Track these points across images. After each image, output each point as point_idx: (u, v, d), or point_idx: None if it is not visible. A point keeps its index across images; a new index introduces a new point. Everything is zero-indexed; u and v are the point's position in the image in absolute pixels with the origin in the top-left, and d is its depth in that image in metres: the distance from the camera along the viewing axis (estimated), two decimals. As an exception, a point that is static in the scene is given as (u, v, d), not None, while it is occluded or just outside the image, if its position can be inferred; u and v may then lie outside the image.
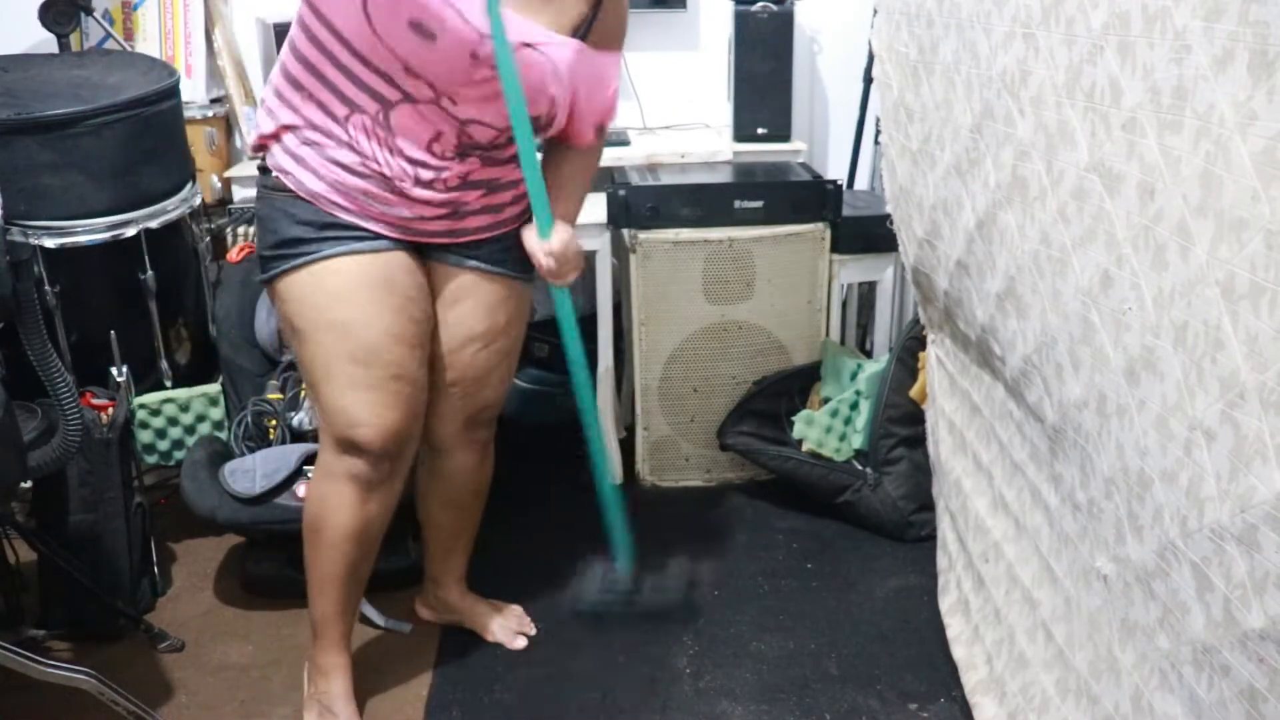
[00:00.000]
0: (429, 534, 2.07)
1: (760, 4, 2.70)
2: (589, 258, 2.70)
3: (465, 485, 1.99)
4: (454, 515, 2.04)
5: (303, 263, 1.67)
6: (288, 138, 1.66)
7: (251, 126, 2.85)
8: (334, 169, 1.65)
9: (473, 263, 1.78)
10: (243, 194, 2.75)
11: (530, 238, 1.74)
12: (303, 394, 2.33)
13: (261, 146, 1.70)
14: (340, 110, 1.62)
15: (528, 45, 1.58)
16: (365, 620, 2.14)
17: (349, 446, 1.72)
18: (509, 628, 2.10)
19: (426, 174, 1.65)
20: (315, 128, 1.65)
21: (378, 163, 1.63)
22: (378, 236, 1.69)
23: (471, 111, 1.61)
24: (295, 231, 1.67)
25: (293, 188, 1.66)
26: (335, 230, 1.67)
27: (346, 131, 1.63)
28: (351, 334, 1.67)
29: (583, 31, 1.66)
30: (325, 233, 1.67)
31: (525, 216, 1.79)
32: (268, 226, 1.70)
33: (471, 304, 1.81)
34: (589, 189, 1.85)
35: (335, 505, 1.77)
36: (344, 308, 1.67)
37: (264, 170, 1.71)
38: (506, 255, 1.81)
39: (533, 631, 2.11)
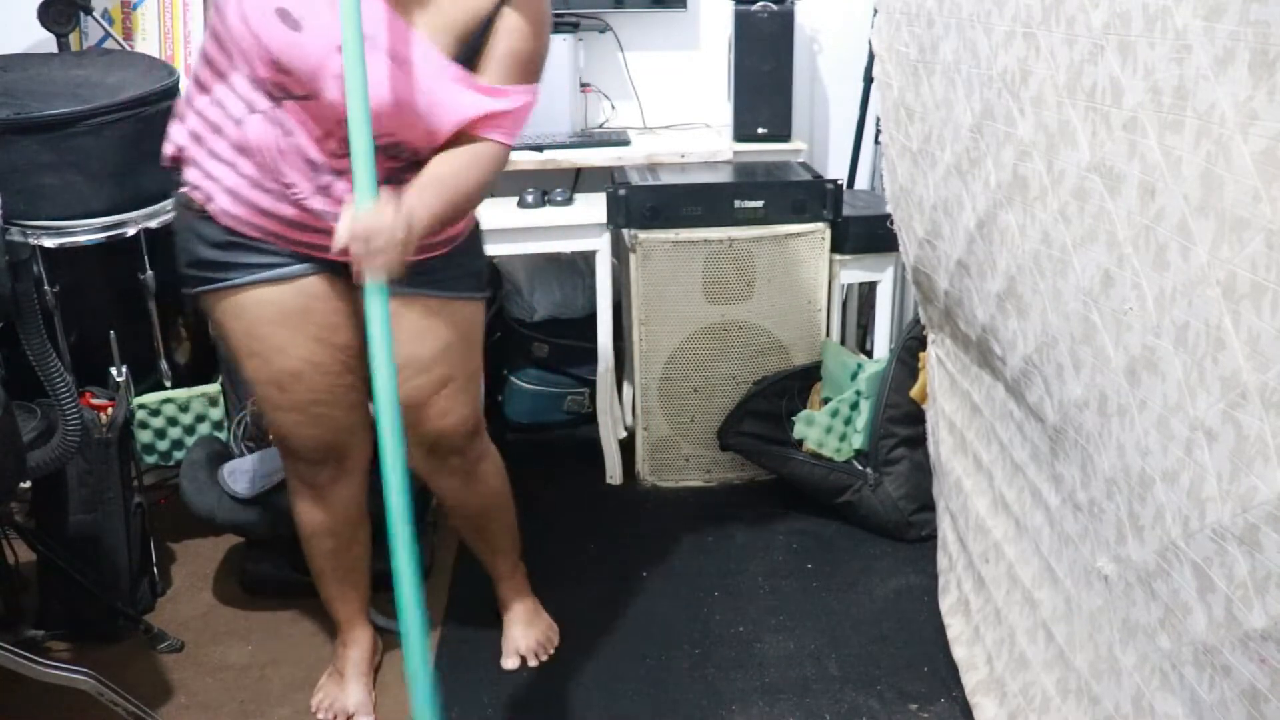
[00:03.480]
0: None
1: (760, 4, 2.70)
2: (589, 258, 2.70)
3: (462, 506, 1.95)
4: (467, 529, 2.04)
5: (216, 289, 1.64)
6: (197, 150, 1.60)
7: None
8: (242, 184, 1.58)
9: (393, 287, 1.51)
10: (242, 194, 2.74)
11: (345, 209, 1.44)
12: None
13: (176, 160, 1.64)
14: (238, 110, 1.55)
15: (397, 60, 1.48)
16: (365, 620, 2.14)
17: (286, 450, 1.81)
18: (516, 644, 2.05)
19: (324, 177, 1.56)
20: (220, 133, 1.57)
21: (277, 171, 1.56)
22: (292, 260, 1.63)
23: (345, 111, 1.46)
24: (205, 254, 1.62)
25: (201, 201, 1.60)
26: (245, 254, 1.61)
27: (246, 136, 1.55)
28: (270, 362, 1.67)
29: (477, 36, 1.53)
30: (234, 256, 1.61)
31: (462, 241, 1.70)
32: (180, 244, 1.66)
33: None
34: (467, 198, 1.59)
35: (298, 503, 1.87)
36: (259, 339, 1.66)
37: (177, 184, 1.66)
38: (435, 276, 1.67)
39: (544, 657, 2.04)
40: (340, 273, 1.59)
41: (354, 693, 1.91)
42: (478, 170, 1.57)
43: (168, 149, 1.65)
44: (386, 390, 1.45)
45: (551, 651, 2.06)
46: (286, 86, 1.51)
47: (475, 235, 1.78)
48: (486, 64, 1.55)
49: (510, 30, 1.54)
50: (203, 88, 1.59)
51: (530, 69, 1.58)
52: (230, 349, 1.71)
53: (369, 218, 1.41)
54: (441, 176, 1.54)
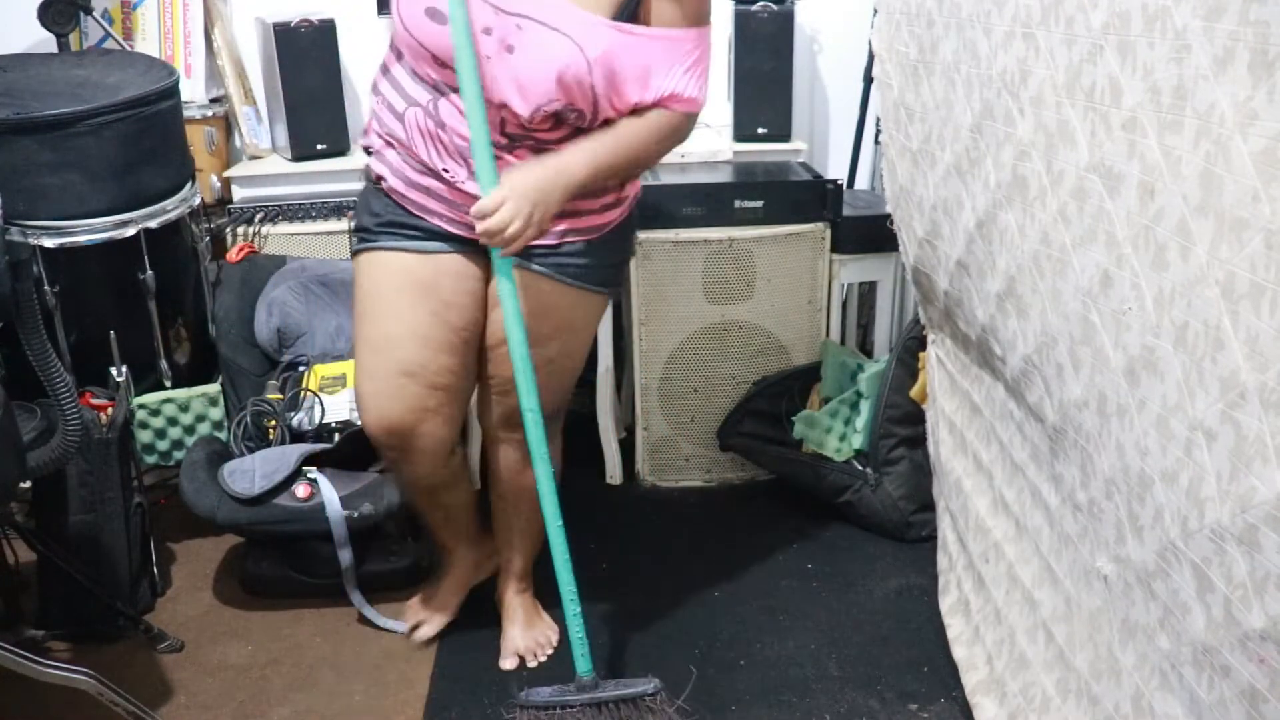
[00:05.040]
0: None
1: (760, 4, 2.70)
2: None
3: (508, 484, 1.99)
4: (501, 507, 2.04)
5: (361, 249, 1.79)
6: (375, 134, 1.76)
7: (250, 127, 2.85)
8: (404, 166, 1.71)
9: (523, 262, 1.73)
10: (242, 194, 2.75)
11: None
12: (302, 394, 2.33)
13: (367, 149, 1.81)
14: (400, 105, 1.68)
15: (543, 24, 1.54)
16: (365, 621, 2.14)
17: (363, 424, 1.86)
18: (515, 645, 2.05)
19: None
20: (389, 121, 1.71)
21: (432, 161, 1.67)
22: (437, 239, 1.74)
23: (500, 95, 1.59)
24: (364, 221, 1.79)
25: (376, 177, 1.77)
26: (396, 227, 1.75)
27: (404, 128, 1.68)
28: (377, 324, 1.76)
29: (631, 7, 1.58)
30: (387, 227, 1.75)
31: (613, 227, 1.77)
32: (356, 212, 1.86)
33: (490, 309, 1.80)
34: (637, 157, 1.67)
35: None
36: (378, 301, 1.77)
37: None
38: (568, 261, 1.75)
39: (543, 658, 2.04)
40: (480, 256, 1.76)
41: (439, 602, 2.09)
42: (652, 130, 1.65)
43: (364, 129, 1.82)
44: (521, 362, 1.68)
45: (550, 652, 2.06)
46: (450, 81, 1.61)
47: (624, 231, 1.83)
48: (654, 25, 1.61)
49: None
50: (384, 73, 1.73)
51: (700, 15, 1.64)
52: (354, 312, 1.84)
53: (495, 199, 1.56)
54: (615, 130, 1.64)
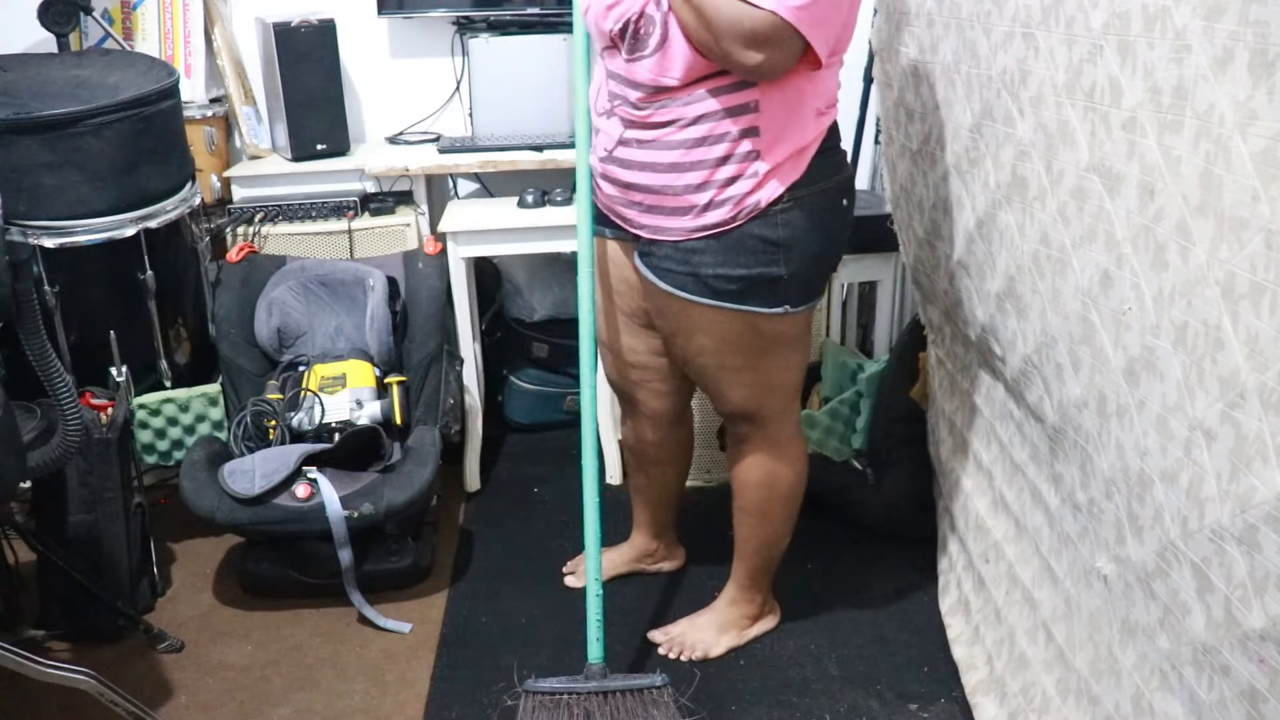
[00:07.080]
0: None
1: (760, 4, 2.69)
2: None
3: (731, 471, 1.99)
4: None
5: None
6: None
7: (250, 127, 2.85)
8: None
9: (637, 259, 1.80)
10: (242, 194, 2.75)
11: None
12: (302, 394, 2.33)
13: None
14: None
15: None
16: (365, 621, 2.14)
17: None
18: (671, 630, 2.07)
19: (596, 135, 1.76)
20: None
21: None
22: (602, 225, 1.85)
23: (612, 65, 1.68)
24: None
25: None
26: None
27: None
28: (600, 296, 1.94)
29: None
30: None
31: (713, 235, 1.65)
32: None
33: (647, 300, 1.85)
34: (710, 11, 1.47)
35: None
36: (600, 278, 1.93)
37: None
38: (662, 265, 1.72)
39: (674, 655, 2.03)
40: (624, 241, 1.83)
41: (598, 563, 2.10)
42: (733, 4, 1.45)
43: None
44: (586, 330, 1.80)
45: (678, 655, 2.02)
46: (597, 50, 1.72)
47: (737, 244, 1.66)
48: None
49: None
50: None
51: None
52: None
53: None
54: None
